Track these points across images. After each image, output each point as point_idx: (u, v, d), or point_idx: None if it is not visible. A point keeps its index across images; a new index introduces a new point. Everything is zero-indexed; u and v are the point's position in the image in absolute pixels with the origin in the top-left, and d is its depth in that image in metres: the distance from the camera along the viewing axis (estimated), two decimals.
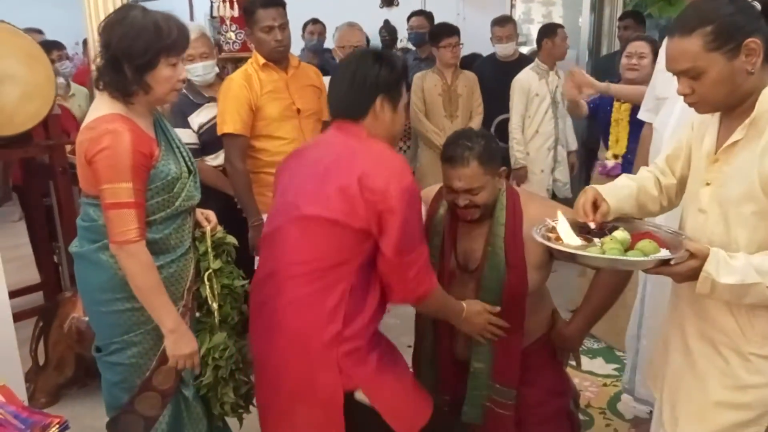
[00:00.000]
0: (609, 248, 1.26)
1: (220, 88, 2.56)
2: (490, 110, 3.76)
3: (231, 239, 1.81)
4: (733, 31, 1.18)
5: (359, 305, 1.56)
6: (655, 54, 2.86)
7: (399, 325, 3.06)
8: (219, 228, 1.79)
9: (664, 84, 2.14)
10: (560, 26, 3.76)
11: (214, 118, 2.60)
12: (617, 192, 1.47)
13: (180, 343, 1.62)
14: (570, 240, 1.33)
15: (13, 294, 3.20)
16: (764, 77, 1.21)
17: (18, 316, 2.94)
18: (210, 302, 1.74)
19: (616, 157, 3.01)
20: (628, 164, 2.86)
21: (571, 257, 1.33)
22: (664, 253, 1.24)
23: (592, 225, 1.42)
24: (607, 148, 3.10)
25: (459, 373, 1.90)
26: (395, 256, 1.51)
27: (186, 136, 2.77)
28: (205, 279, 1.74)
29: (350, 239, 1.52)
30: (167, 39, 1.54)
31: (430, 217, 1.88)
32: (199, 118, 2.70)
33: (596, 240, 1.37)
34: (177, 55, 1.58)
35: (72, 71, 4.38)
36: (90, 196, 1.62)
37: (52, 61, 3.58)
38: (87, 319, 2.48)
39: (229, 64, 3.22)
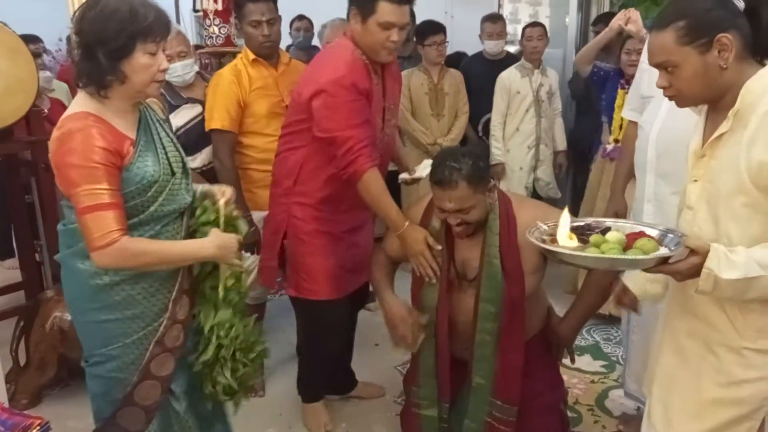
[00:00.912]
0: (607, 249, 1.25)
1: (209, 84, 2.53)
2: (477, 109, 3.76)
3: (242, 222, 1.73)
4: (705, 26, 1.20)
5: (312, 172, 2.08)
6: None
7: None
8: (232, 206, 1.70)
9: (649, 83, 2.14)
10: (531, 25, 3.75)
11: (192, 119, 2.58)
12: None
13: (224, 251, 1.56)
14: (566, 242, 1.32)
15: None
16: (743, 72, 1.22)
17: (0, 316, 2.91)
18: (221, 278, 1.64)
19: (617, 141, 3.06)
20: None
21: (567, 259, 1.31)
22: (664, 251, 1.22)
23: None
24: (609, 124, 3.18)
25: (458, 380, 1.93)
26: (318, 131, 1.98)
27: None
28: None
29: (304, 112, 2.01)
30: (143, 22, 1.44)
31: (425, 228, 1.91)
32: (176, 120, 2.65)
33: (591, 241, 1.35)
34: (155, 42, 1.46)
35: (53, 66, 4.32)
36: (67, 198, 1.51)
37: (37, 56, 3.55)
38: (70, 318, 2.46)
39: (213, 58, 3.18)
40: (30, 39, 3.71)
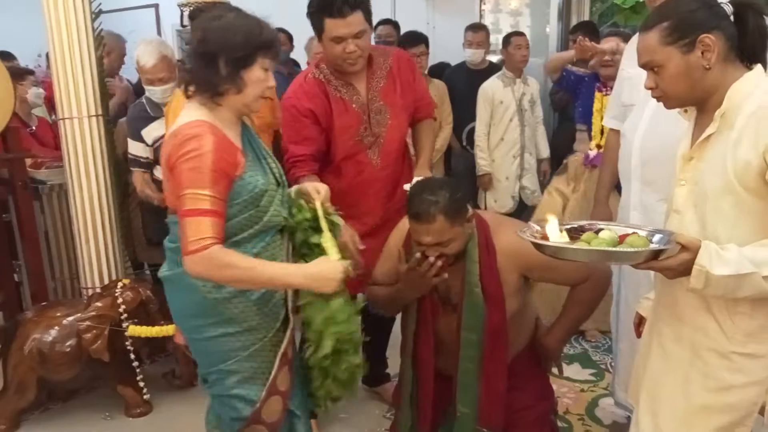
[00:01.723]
0: (597, 243, 1.24)
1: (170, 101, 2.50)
2: (461, 119, 3.76)
3: (338, 218, 1.71)
4: (689, 26, 1.21)
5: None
6: None
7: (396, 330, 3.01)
8: (328, 204, 1.68)
9: (630, 91, 2.15)
10: (516, 34, 3.78)
11: None
12: None
13: (323, 282, 1.49)
14: (557, 239, 1.31)
15: None
16: (728, 74, 1.23)
17: None
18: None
19: (599, 147, 3.00)
20: None
21: (558, 253, 1.29)
22: (655, 246, 1.21)
23: None
24: (585, 125, 3.13)
25: (438, 413, 1.90)
26: None
27: (138, 150, 2.75)
28: (325, 241, 1.59)
29: None
30: (266, 37, 1.50)
31: (408, 253, 1.85)
32: (153, 132, 2.66)
33: (583, 238, 1.33)
34: (270, 59, 1.52)
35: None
36: (173, 213, 1.52)
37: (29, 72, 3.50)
38: (49, 339, 2.41)
39: None
40: (4, 56, 3.67)
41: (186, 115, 1.50)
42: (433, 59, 4.26)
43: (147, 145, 2.71)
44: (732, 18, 1.23)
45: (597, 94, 3.05)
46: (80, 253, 2.78)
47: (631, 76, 2.15)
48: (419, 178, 2.06)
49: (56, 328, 2.44)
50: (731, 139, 1.20)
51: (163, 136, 2.56)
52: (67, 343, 2.41)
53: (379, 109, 2.19)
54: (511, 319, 1.82)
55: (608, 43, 2.97)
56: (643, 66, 1.29)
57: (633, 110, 2.07)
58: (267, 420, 1.58)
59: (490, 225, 1.83)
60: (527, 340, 1.97)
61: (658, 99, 1.31)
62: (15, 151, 2.74)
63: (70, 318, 2.46)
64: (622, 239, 1.26)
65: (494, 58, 4.46)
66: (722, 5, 1.23)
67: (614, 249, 1.20)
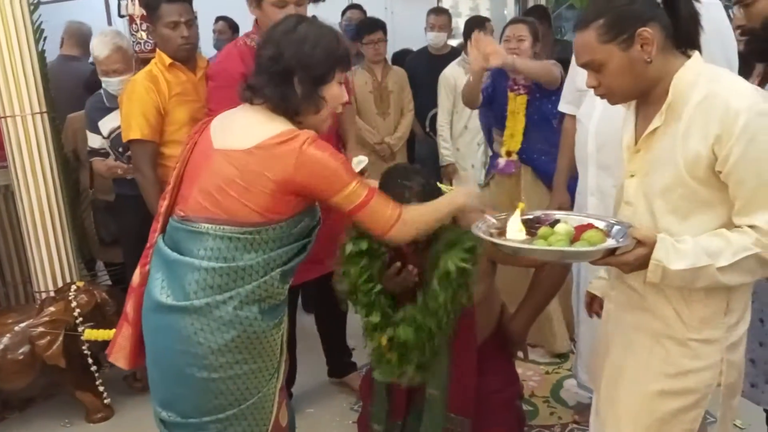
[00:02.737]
0: (555, 241, 1.24)
1: (123, 92, 2.42)
2: (423, 104, 3.74)
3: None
4: (624, 21, 1.19)
5: None
6: (535, 36, 2.71)
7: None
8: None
9: (584, 76, 2.16)
10: (488, 20, 3.76)
11: None
12: None
13: (471, 198, 1.57)
14: (514, 235, 1.31)
15: None
16: (669, 63, 1.22)
17: None
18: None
19: (509, 154, 2.73)
20: (526, 161, 2.70)
21: (516, 252, 1.30)
22: (611, 243, 1.21)
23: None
24: (501, 132, 2.79)
25: (410, 401, 1.90)
26: (206, 111, 2.16)
27: (95, 142, 2.68)
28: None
29: None
30: (344, 51, 1.43)
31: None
32: (109, 123, 2.60)
33: (539, 234, 1.33)
34: (345, 72, 1.47)
35: None
36: (244, 225, 1.36)
37: None
38: (1, 347, 2.31)
39: (142, 65, 3.04)
40: None
41: (265, 126, 1.39)
42: (392, 46, 4.22)
43: (103, 137, 2.64)
44: (663, 6, 1.22)
45: (510, 94, 2.72)
46: (31, 256, 2.67)
47: (579, 71, 2.15)
48: (360, 157, 2.08)
49: (7, 335, 2.36)
50: (680, 132, 1.20)
51: (118, 127, 2.49)
52: (20, 351, 2.33)
53: None
54: (479, 305, 1.82)
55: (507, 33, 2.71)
56: (583, 66, 1.27)
57: (587, 95, 2.08)
58: None
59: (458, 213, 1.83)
60: (493, 326, 1.99)
61: (602, 96, 1.30)
62: None
63: (22, 324, 2.38)
64: (579, 231, 1.25)
65: (454, 43, 4.45)
66: None
67: (571, 249, 1.21)
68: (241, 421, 1.44)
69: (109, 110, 2.63)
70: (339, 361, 2.64)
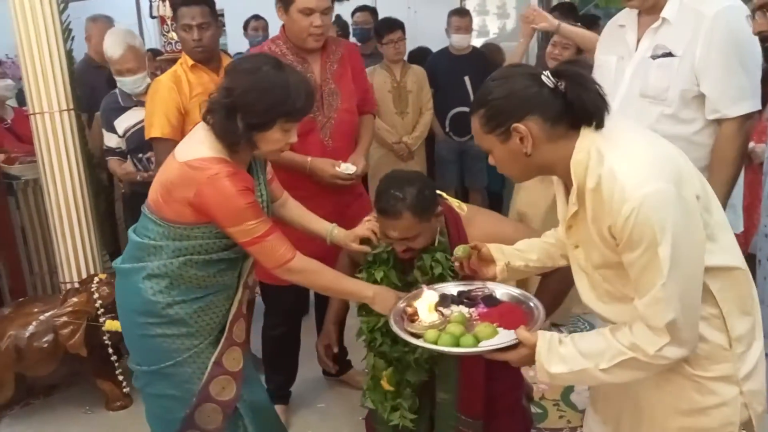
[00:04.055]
0: (449, 330, 1.32)
1: (147, 91, 2.49)
2: (445, 105, 3.74)
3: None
4: (499, 116, 1.17)
5: None
6: (578, 48, 2.77)
7: (358, 324, 3.03)
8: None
9: (600, 79, 2.14)
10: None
11: (140, 121, 2.54)
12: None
13: (386, 298, 1.59)
14: (425, 316, 1.39)
15: None
16: (561, 149, 1.16)
17: None
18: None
19: None
20: None
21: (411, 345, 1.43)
22: (492, 342, 1.27)
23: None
24: None
25: (420, 393, 1.91)
26: None
27: (111, 141, 2.75)
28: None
29: None
30: (291, 106, 1.48)
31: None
32: (124, 122, 2.67)
33: (457, 311, 1.44)
34: (295, 122, 1.53)
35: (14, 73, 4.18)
36: (161, 217, 1.54)
37: None
38: (26, 336, 2.41)
39: (172, 64, 3.12)
40: None
41: (203, 146, 1.51)
42: (413, 44, 4.23)
43: (119, 136, 2.70)
44: (557, 88, 1.14)
45: None
46: (57, 248, 2.77)
47: (601, 63, 2.15)
48: (347, 165, 2.16)
49: (33, 324, 2.44)
50: (588, 218, 1.17)
51: (134, 126, 2.57)
52: (44, 339, 2.42)
53: (331, 91, 2.22)
54: None
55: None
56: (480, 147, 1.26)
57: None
58: (202, 426, 1.62)
59: (463, 218, 1.84)
60: None
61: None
62: None
63: (47, 314, 2.46)
64: (483, 317, 1.38)
65: (479, 42, 4.43)
66: (544, 77, 1.15)
67: (451, 350, 1.29)
68: (163, 379, 1.61)
69: (124, 109, 2.70)
70: (337, 359, 2.67)
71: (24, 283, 2.91)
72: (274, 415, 1.91)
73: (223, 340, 1.63)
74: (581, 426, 2.36)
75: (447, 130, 3.87)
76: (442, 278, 1.71)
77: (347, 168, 2.16)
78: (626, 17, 2.04)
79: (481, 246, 1.53)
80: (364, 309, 1.80)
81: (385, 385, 1.79)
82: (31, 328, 2.43)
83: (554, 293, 1.90)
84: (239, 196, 1.47)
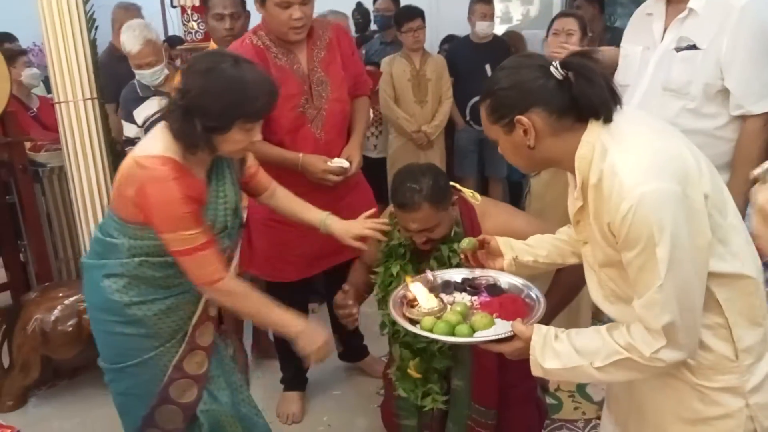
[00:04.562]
0: (446, 318, 1.32)
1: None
2: (465, 93, 3.72)
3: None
4: (503, 107, 1.15)
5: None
6: (584, 30, 2.66)
7: (374, 313, 3.05)
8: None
9: (625, 70, 2.11)
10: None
11: (159, 111, 2.56)
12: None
13: (312, 337, 1.55)
14: (425, 302, 1.39)
15: None
16: (565, 143, 1.14)
17: None
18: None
19: None
20: None
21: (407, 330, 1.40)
22: (487, 333, 1.27)
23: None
24: None
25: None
26: None
27: (131, 131, 2.80)
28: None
29: None
30: (250, 106, 1.41)
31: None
32: (144, 112, 2.70)
33: (458, 297, 1.45)
34: (255, 122, 1.46)
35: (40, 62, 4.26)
36: (117, 215, 1.52)
37: (22, 53, 3.52)
38: (51, 320, 2.48)
39: (193, 54, 3.16)
40: (5, 37, 3.69)
41: (158, 143, 1.46)
42: (436, 32, 4.20)
43: (138, 126, 2.75)
44: (565, 80, 1.12)
45: None
46: (81, 234, 2.83)
47: (626, 54, 2.11)
48: (339, 161, 2.11)
49: (58, 308, 2.51)
50: (591, 214, 1.15)
51: (153, 115, 2.60)
52: (69, 323, 2.48)
53: (320, 81, 2.13)
54: None
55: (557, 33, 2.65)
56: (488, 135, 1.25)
57: (627, 90, 2.04)
58: (162, 426, 1.61)
59: (477, 210, 1.85)
60: None
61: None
62: (13, 136, 2.78)
63: (72, 298, 2.53)
64: (484, 307, 1.37)
65: (503, 28, 4.38)
66: (552, 69, 1.12)
67: (447, 338, 1.30)
68: (127, 378, 1.59)
69: (143, 99, 2.73)
70: (352, 344, 2.70)
71: (50, 267, 2.98)
72: (238, 429, 1.79)
73: (184, 345, 1.60)
74: (596, 417, 2.36)
75: (467, 118, 3.85)
76: (459, 267, 1.71)
77: (339, 162, 2.11)
78: (654, 5, 1.98)
79: (489, 239, 1.52)
80: (384, 303, 1.82)
81: (413, 373, 1.81)
82: (56, 312, 2.50)
83: (568, 286, 1.89)
84: (180, 202, 1.41)
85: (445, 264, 1.75)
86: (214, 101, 1.39)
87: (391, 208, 1.87)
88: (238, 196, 1.64)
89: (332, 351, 1.65)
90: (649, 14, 2.00)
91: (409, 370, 1.82)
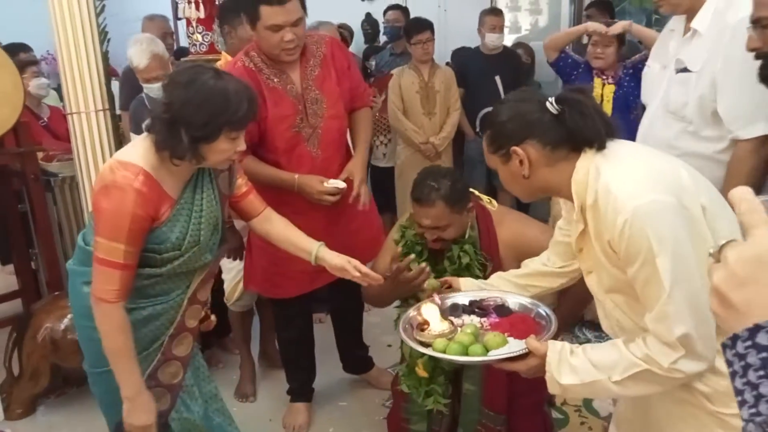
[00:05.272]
0: (458, 339, 1.33)
1: None
2: (475, 104, 3.73)
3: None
4: (500, 138, 1.22)
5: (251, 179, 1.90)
6: (621, 41, 2.84)
7: (380, 324, 3.07)
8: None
9: (644, 89, 2.11)
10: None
11: None
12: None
13: (134, 413, 1.53)
14: (435, 325, 1.40)
15: None
16: (561, 172, 1.19)
17: None
18: None
19: None
20: None
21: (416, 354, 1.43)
22: (501, 351, 1.27)
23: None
24: None
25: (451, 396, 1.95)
26: None
27: None
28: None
29: None
30: (233, 114, 1.43)
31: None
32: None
33: (467, 320, 1.46)
34: (240, 130, 1.48)
35: (52, 71, 4.32)
36: (93, 219, 1.53)
37: (31, 63, 3.57)
38: (61, 328, 2.51)
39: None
40: (20, 48, 3.74)
41: (134, 150, 1.48)
42: (444, 44, 4.22)
43: None
44: (561, 113, 1.16)
45: (596, 80, 2.95)
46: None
47: (646, 72, 2.12)
48: (335, 182, 2.10)
49: (68, 317, 2.51)
50: (592, 235, 1.17)
51: None
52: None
53: (315, 99, 2.11)
54: None
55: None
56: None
57: (647, 109, 2.07)
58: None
59: (494, 216, 1.90)
60: None
61: None
62: (26, 146, 2.82)
63: None
64: (494, 326, 1.38)
65: (511, 39, 4.38)
66: (548, 104, 1.17)
67: (460, 358, 1.30)
68: (103, 382, 1.60)
69: (151, 112, 2.75)
70: (355, 357, 2.70)
71: (60, 276, 3.00)
72: None
73: (159, 355, 1.61)
74: None
75: (477, 129, 3.86)
76: (468, 268, 1.79)
77: (335, 183, 2.10)
78: (676, 21, 1.94)
79: (452, 281, 1.61)
80: (404, 302, 1.87)
81: (420, 372, 1.82)
82: (66, 321, 2.51)
83: (577, 297, 1.89)
84: (127, 216, 1.41)
85: (455, 263, 1.81)
86: (197, 111, 1.41)
87: (411, 209, 1.91)
88: (220, 212, 1.63)
89: None
90: (672, 30, 1.97)
91: (416, 368, 1.83)
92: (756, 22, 1.41)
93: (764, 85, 1.42)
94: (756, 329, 0.52)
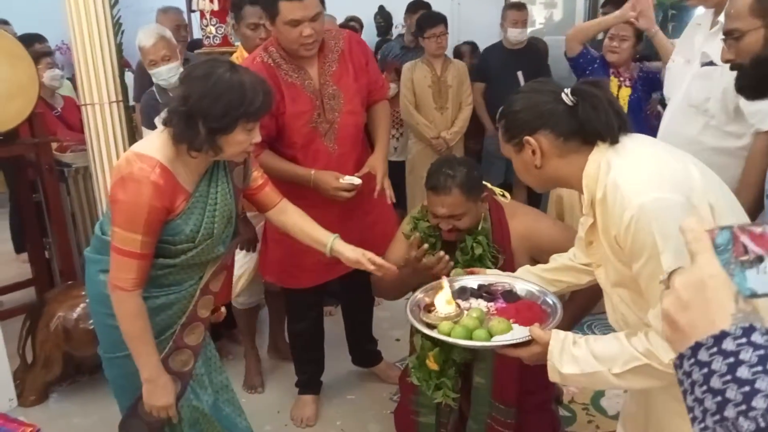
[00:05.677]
0: (463, 323, 1.33)
1: None
2: (496, 98, 3.67)
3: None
4: (514, 128, 1.23)
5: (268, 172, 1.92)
6: (638, 37, 2.82)
7: (389, 318, 3.08)
8: None
9: (667, 83, 2.10)
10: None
11: None
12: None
13: (154, 393, 1.57)
14: (442, 308, 1.40)
15: (5, 290, 3.26)
16: (573, 163, 1.19)
17: (10, 313, 3.00)
18: None
19: None
20: None
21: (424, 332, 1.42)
22: (505, 338, 1.27)
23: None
24: None
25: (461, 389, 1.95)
26: None
27: None
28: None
29: None
30: (249, 106, 1.46)
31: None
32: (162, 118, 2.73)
33: (474, 303, 1.46)
34: (256, 121, 1.51)
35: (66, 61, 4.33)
36: (110, 209, 1.56)
37: (46, 54, 3.60)
38: (73, 317, 2.54)
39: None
40: (35, 38, 3.77)
41: (151, 144, 1.51)
42: (457, 38, 4.20)
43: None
44: (575, 104, 1.17)
45: (612, 79, 2.92)
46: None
47: (670, 66, 2.11)
48: (351, 178, 2.10)
49: (80, 306, 2.56)
50: (600, 229, 1.17)
51: None
52: (90, 321, 2.52)
53: (332, 95, 2.12)
54: None
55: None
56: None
57: (669, 104, 2.06)
58: (144, 417, 1.64)
59: (506, 209, 1.91)
60: None
61: None
62: (41, 136, 2.85)
63: None
64: (501, 312, 1.37)
65: (526, 33, 4.34)
66: (563, 95, 1.18)
67: (465, 342, 1.30)
68: (116, 367, 1.65)
69: (163, 106, 2.67)
70: (364, 350, 2.71)
71: (73, 265, 3.04)
72: (216, 428, 1.81)
73: (170, 343, 1.64)
74: (610, 431, 2.34)
75: (497, 125, 3.83)
76: (481, 258, 1.79)
77: (351, 179, 2.10)
78: (703, 15, 1.96)
79: (478, 272, 1.61)
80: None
81: (431, 364, 1.82)
82: (78, 310, 2.55)
83: (589, 293, 1.88)
84: (144, 207, 1.45)
85: (468, 254, 1.81)
86: (214, 103, 1.44)
87: (424, 201, 1.92)
88: (234, 205, 1.65)
89: (174, 417, 1.64)
90: (698, 24, 1.98)
91: (427, 361, 1.83)
92: (728, 33, 1.41)
93: (741, 96, 1.44)
94: (697, 347, 0.55)
